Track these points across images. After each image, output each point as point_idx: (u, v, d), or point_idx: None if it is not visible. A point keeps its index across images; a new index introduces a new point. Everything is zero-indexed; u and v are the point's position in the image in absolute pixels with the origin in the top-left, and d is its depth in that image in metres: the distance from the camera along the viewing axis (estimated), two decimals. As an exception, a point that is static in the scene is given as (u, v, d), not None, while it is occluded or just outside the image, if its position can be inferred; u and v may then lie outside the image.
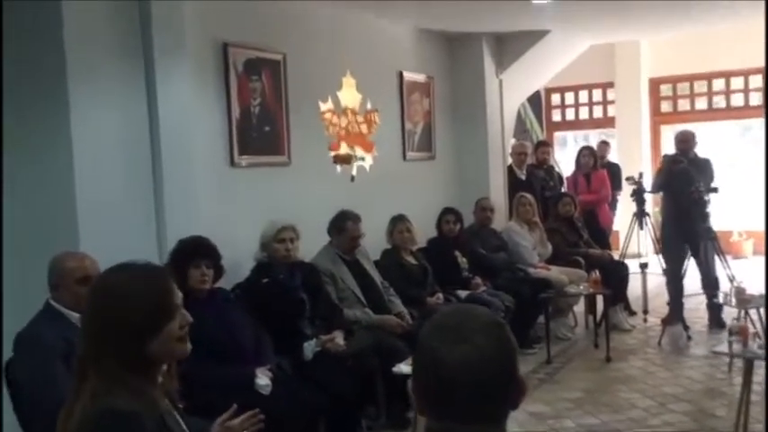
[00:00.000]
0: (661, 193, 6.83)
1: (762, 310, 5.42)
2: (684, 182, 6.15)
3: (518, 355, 1.31)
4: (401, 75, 6.64)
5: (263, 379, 3.63)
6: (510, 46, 7.46)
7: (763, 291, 5.60)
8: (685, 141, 6.49)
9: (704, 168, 6.42)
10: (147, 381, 1.65)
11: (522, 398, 1.29)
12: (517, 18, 6.67)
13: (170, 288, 1.72)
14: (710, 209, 6.47)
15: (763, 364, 4.62)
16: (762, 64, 9.38)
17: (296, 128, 5.31)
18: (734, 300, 5.31)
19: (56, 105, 3.68)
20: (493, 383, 1.22)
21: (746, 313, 5.28)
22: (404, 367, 3.94)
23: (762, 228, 9.83)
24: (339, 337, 4.25)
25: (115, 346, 1.62)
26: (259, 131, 5.04)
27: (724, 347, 4.33)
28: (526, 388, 1.29)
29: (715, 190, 6.33)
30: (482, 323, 1.26)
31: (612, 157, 9.59)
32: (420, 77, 6.91)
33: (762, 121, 10.47)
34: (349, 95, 5.56)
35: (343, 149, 5.55)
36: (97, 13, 3.79)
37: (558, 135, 11.63)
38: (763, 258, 8.90)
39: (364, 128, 5.71)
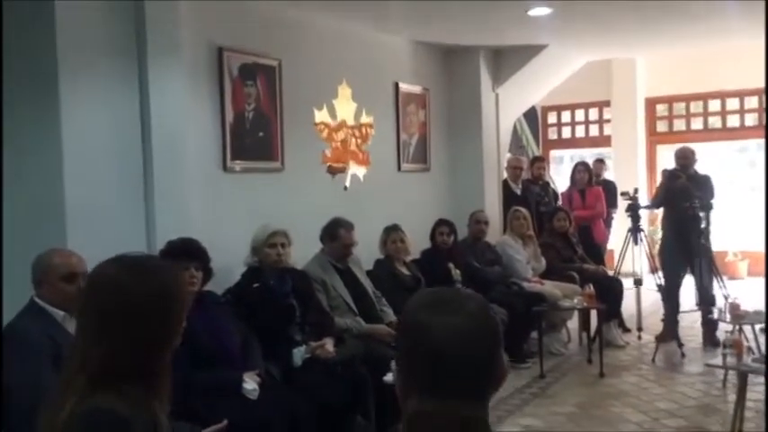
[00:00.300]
0: (657, 210, 6.81)
1: (756, 327, 5.39)
2: (683, 197, 6.14)
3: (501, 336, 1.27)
4: (397, 86, 6.64)
5: (250, 383, 3.56)
6: (507, 60, 7.48)
7: (757, 307, 5.59)
8: (685, 158, 6.50)
9: (704, 185, 6.42)
10: (142, 382, 1.53)
11: (503, 379, 1.27)
12: (514, 32, 6.68)
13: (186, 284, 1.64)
14: (709, 226, 6.47)
15: (756, 380, 4.58)
16: (757, 85, 9.46)
17: (290, 134, 5.29)
18: (728, 315, 5.28)
19: (46, 102, 3.67)
20: (481, 356, 1.21)
21: (740, 329, 5.24)
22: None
23: (757, 248, 9.85)
24: (329, 344, 4.20)
25: (122, 345, 1.50)
26: (253, 137, 5.01)
27: (718, 361, 4.29)
28: (507, 371, 1.28)
29: (710, 206, 6.32)
30: (469, 297, 1.27)
31: (608, 176, 9.58)
32: (416, 89, 6.91)
33: (757, 142, 10.52)
34: (345, 107, 5.57)
35: (338, 164, 5.55)
36: (91, 11, 3.78)
37: (554, 155, 11.63)
38: (758, 279, 8.91)
39: (360, 141, 5.72)
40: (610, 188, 8.41)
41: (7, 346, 2.86)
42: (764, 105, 9.73)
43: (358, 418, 4.23)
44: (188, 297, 1.63)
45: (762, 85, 9.14)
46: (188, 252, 3.68)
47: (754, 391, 4.75)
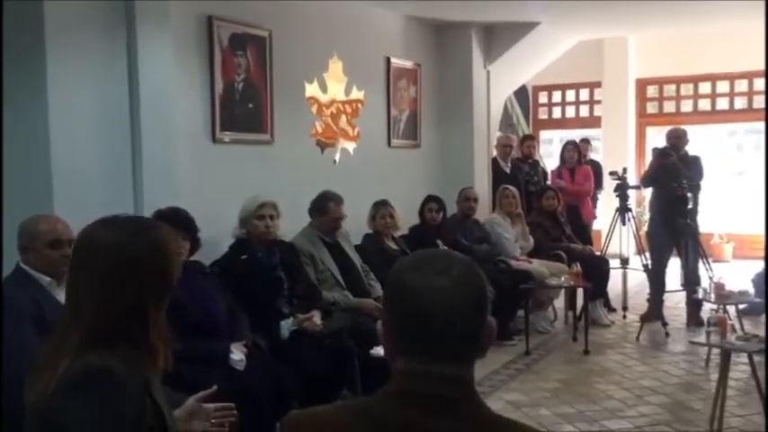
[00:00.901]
0: (645, 191, 6.82)
1: (741, 307, 5.44)
2: (672, 176, 6.16)
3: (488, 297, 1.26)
4: (388, 60, 6.60)
5: (237, 354, 3.56)
6: (499, 37, 7.44)
7: (741, 288, 5.64)
8: (677, 138, 6.52)
9: (693, 165, 6.44)
10: (135, 342, 1.51)
11: (491, 340, 1.25)
12: (506, 8, 6.64)
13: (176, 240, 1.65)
14: (697, 207, 6.49)
15: (738, 359, 4.64)
16: (747, 68, 9.48)
17: (280, 107, 5.25)
18: (713, 295, 5.32)
19: (33, 71, 3.61)
20: (468, 316, 1.19)
21: (725, 309, 5.29)
22: (381, 350, 3.87)
23: (742, 231, 9.93)
24: (317, 317, 4.20)
25: (117, 304, 1.49)
26: (242, 108, 4.97)
27: (702, 339, 4.33)
28: (495, 330, 1.25)
29: (698, 187, 6.34)
30: (457, 259, 1.24)
31: (597, 157, 9.59)
32: (407, 64, 6.86)
33: (745, 126, 10.56)
34: (336, 82, 5.52)
35: (328, 138, 5.52)
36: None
37: (543, 136, 11.59)
38: (743, 262, 8.98)
39: (350, 117, 5.68)
40: (596, 169, 8.42)
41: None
42: (764, 88, 9.72)
43: (344, 391, 4.24)
44: (179, 253, 1.63)
45: (751, 68, 9.17)
46: (176, 221, 3.62)
47: (737, 370, 4.81)
